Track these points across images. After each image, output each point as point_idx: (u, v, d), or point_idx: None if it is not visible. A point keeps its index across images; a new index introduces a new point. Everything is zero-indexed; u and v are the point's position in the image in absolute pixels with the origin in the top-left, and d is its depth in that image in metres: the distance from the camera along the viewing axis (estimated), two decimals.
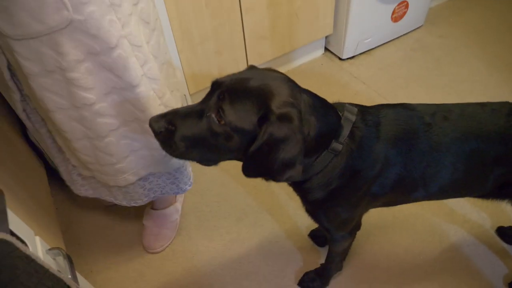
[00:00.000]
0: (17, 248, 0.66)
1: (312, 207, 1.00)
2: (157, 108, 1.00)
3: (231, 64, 1.85)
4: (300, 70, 2.16)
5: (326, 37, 2.18)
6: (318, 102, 0.83)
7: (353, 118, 0.86)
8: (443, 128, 0.90)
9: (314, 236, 1.44)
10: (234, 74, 0.80)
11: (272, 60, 2.00)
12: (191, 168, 1.37)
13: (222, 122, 0.75)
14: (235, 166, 0.85)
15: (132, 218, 1.58)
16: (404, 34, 2.32)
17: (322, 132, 0.81)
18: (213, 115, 0.75)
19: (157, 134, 0.81)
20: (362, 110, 0.91)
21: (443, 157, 0.90)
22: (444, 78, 2.05)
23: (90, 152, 1.05)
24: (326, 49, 2.25)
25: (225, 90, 0.75)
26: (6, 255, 0.62)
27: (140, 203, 1.27)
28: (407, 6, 2.14)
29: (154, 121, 0.79)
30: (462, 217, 1.49)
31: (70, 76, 0.87)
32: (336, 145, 0.84)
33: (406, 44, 2.27)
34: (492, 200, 1.04)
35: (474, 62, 2.13)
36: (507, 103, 0.94)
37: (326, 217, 1.00)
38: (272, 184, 1.60)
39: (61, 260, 0.98)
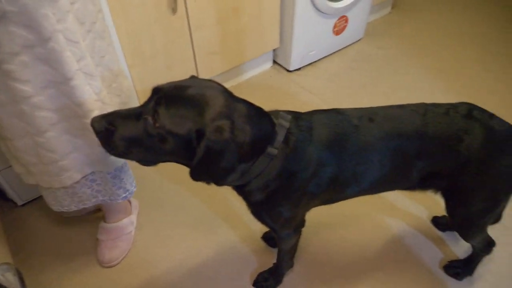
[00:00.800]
0: None
1: (255, 209, 1.06)
2: (94, 103, 1.02)
3: (181, 78, 1.90)
4: (251, 83, 2.25)
5: (274, 50, 2.30)
6: (252, 111, 0.89)
7: (287, 124, 0.93)
8: (369, 129, 0.99)
9: (267, 238, 1.50)
10: (174, 82, 0.86)
11: (223, 73, 2.08)
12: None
13: (157, 125, 0.80)
14: (189, 177, 0.89)
15: (85, 233, 1.57)
16: (346, 46, 2.49)
17: (257, 138, 0.88)
18: (149, 118, 0.81)
19: (98, 133, 0.85)
20: (296, 116, 0.99)
21: (371, 156, 1.00)
22: (384, 86, 2.22)
23: (32, 151, 1.06)
24: (275, 61, 2.36)
25: (162, 96, 0.81)
26: None
27: (89, 204, 1.28)
28: (346, 21, 2.30)
29: (96, 121, 0.84)
30: (402, 211, 1.61)
31: (6, 68, 0.90)
32: (271, 150, 0.91)
33: (348, 55, 2.44)
34: (419, 191, 1.15)
35: (410, 70, 2.31)
36: (423, 104, 1.05)
37: (269, 217, 1.07)
38: (225, 192, 1.65)
39: (10, 276, 0.98)
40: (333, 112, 1.03)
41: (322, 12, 2.11)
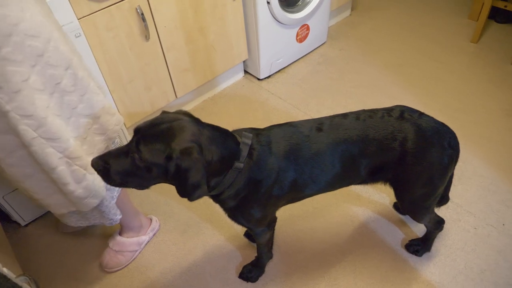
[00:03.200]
0: None
1: (230, 213, 1.26)
2: (58, 160, 1.15)
3: (160, 97, 2.08)
4: (225, 93, 2.44)
5: (244, 61, 2.48)
6: (218, 134, 1.07)
7: (249, 141, 1.12)
8: (319, 137, 1.18)
9: (248, 235, 1.69)
10: (149, 120, 1.04)
11: (197, 88, 2.26)
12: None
13: (141, 159, 0.98)
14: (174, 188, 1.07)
15: (85, 245, 1.74)
16: (311, 51, 2.69)
17: (224, 156, 1.06)
18: (135, 155, 0.99)
19: (98, 171, 1.04)
20: (257, 133, 1.17)
21: (323, 159, 1.18)
22: (346, 85, 2.42)
23: (22, 189, 1.23)
24: (246, 71, 2.55)
25: (140, 136, 1.00)
26: None
27: (82, 225, 1.45)
28: (308, 28, 2.49)
29: (94, 162, 1.03)
30: (367, 199, 1.81)
31: None
32: (238, 164, 1.09)
33: (313, 59, 2.64)
34: (370, 184, 1.34)
35: (370, 68, 2.52)
36: (362, 111, 1.24)
37: (243, 219, 1.26)
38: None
39: (26, 286, 1.14)
40: (287, 125, 1.21)
41: (283, 24, 2.30)
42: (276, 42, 2.37)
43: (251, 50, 2.38)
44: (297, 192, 1.24)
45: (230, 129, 1.16)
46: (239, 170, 1.10)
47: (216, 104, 2.37)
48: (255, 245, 1.67)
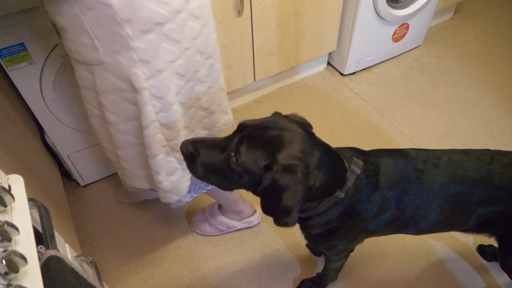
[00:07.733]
0: (66, 264, 0.76)
1: (312, 238, 1.13)
2: (161, 148, 1.09)
3: (239, 77, 1.94)
4: (303, 83, 2.26)
5: (330, 52, 2.28)
6: (328, 158, 0.91)
7: (358, 171, 0.97)
8: (433, 174, 1.01)
9: (312, 247, 1.55)
10: (258, 120, 0.90)
11: (278, 73, 2.10)
12: None
13: (238, 162, 0.85)
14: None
15: (142, 220, 1.68)
16: (403, 53, 2.43)
17: (328, 183, 0.91)
18: (232, 154, 0.86)
19: (184, 156, 0.93)
20: (365, 159, 1.01)
21: (432, 201, 1.02)
22: (438, 98, 2.17)
23: (112, 153, 1.20)
24: (329, 63, 2.35)
25: (245, 135, 0.86)
26: (59, 271, 0.72)
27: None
28: (407, 28, 2.25)
29: (184, 145, 0.91)
30: (448, 235, 1.61)
31: (100, 99, 1.02)
32: (339, 194, 0.95)
33: (404, 62, 2.39)
34: (473, 234, 1.16)
35: (468, 83, 2.25)
36: (488, 151, 1.04)
37: (324, 246, 1.13)
38: None
39: (87, 267, 1.08)
40: (398, 154, 1.04)
41: (384, 19, 2.07)
42: (370, 37, 2.14)
43: (341, 42, 2.17)
44: (392, 230, 1.10)
45: None
46: (338, 200, 0.96)
47: (292, 93, 2.21)
48: (317, 258, 1.54)
